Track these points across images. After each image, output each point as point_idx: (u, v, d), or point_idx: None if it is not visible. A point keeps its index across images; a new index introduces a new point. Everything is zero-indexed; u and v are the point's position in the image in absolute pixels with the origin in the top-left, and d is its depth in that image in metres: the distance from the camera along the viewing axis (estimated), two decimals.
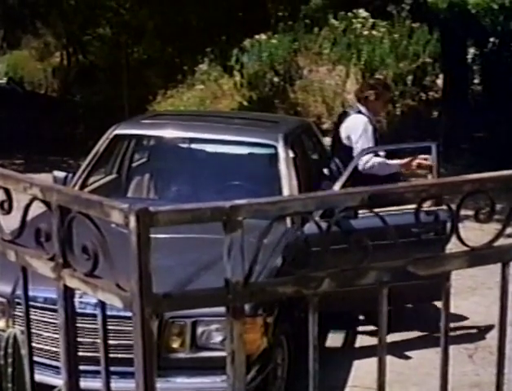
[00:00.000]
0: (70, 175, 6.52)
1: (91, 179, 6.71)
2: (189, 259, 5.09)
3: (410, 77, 16.63)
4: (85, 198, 1.91)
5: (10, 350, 2.63)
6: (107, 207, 1.80)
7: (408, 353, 6.06)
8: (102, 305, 1.96)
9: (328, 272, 2.00)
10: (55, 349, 4.49)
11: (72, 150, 14.74)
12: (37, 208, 2.17)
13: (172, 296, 1.84)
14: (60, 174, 6.50)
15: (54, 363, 4.44)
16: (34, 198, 2.04)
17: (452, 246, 2.12)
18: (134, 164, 7.34)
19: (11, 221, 2.25)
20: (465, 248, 2.14)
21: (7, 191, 2.14)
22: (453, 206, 2.13)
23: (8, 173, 2.17)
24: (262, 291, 1.96)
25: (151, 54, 20.71)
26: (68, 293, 2.02)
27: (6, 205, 2.15)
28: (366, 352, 6.01)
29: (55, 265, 2.00)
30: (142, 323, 1.74)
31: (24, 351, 2.31)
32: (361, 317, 6.82)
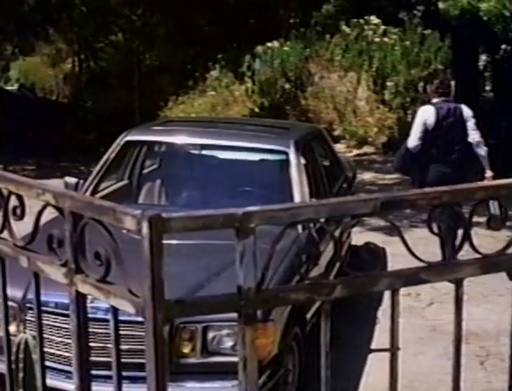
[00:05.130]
0: (81, 181, 6.52)
1: (102, 185, 6.71)
2: (200, 265, 5.09)
3: (421, 84, 16.63)
4: (98, 204, 1.91)
5: (21, 355, 2.63)
6: (119, 213, 1.80)
7: (419, 360, 6.04)
8: (114, 310, 1.97)
9: (341, 279, 2.00)
10: (66, 353, 4.50)
11: (83, 156, 14.79)
12: (48, 214, 2.17)
13: (184, 302, 1.85)
14: (72, 180, 6.50)
15: (65, 368, 4.45)
16: (47, 204, 2.04)
17: (465, 253, 2.12)
18: (145, 171, 7.34)
19: (22, 227, 2.26)
20: (478, 256, 2.13)
21: (20, 197, 2.15)
22: (466, 213, 2.13)
23: (21, 180, 2.18)
24: (274, 297, 1.96)
25: (162, 60, 20.79)
26: (81, 299, 2.02)
27: (18, 211, 2.15)
28: (377, 358, 5.99)
29: (67, 270, 2.00)
30: (154, 329, 1.74)
31: (35, 356, 2.31)
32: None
